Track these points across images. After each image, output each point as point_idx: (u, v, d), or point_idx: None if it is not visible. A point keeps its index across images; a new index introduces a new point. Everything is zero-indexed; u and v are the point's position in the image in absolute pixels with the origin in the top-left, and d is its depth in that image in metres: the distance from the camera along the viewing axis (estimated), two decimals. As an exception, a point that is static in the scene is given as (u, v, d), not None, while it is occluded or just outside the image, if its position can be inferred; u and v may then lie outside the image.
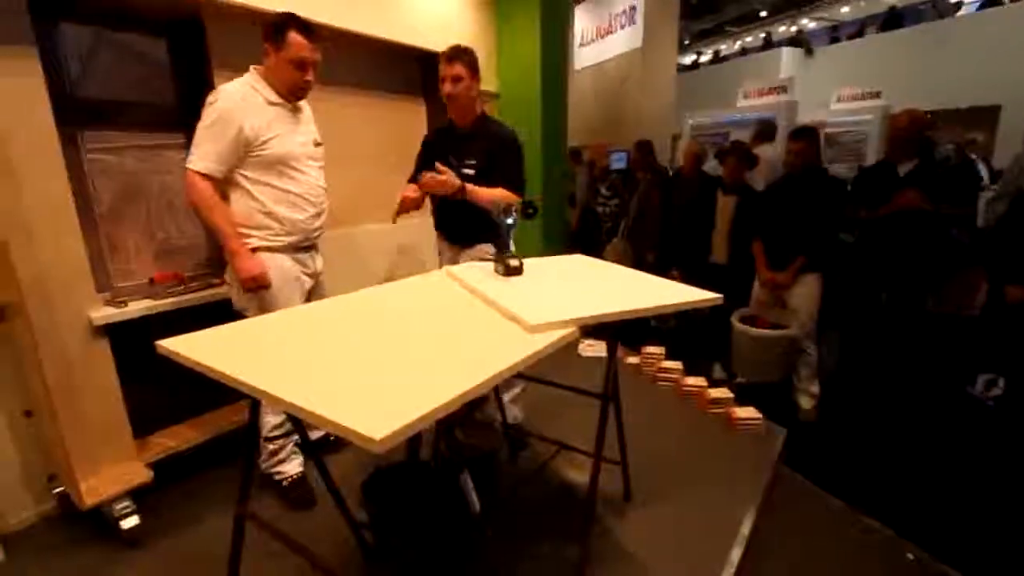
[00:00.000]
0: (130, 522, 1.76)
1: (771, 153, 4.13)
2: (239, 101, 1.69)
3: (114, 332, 1.84)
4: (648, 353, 3.10)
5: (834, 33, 9.61)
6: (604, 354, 3.30)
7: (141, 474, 1.85)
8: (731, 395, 2.62)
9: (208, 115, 1.67)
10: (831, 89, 7.26)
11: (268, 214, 1.78)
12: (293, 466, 1.98)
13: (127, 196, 2.04)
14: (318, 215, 1.92)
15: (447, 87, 2.07)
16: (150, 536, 1.79)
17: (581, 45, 8.96)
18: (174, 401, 2.14)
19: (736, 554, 1.70)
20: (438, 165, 1.99)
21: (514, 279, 1.68)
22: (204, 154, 1.66)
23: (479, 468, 1.93)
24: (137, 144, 2.04)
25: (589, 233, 4.86)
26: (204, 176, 1.67)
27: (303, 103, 1.92)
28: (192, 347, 1.15)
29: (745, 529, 1.81)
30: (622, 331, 3.69)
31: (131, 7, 1.92)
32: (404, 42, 2.83)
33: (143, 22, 2.00)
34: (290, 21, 1.69)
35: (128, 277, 2.06)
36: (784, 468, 2.32)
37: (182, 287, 2.06)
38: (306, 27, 1.71)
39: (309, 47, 1.72)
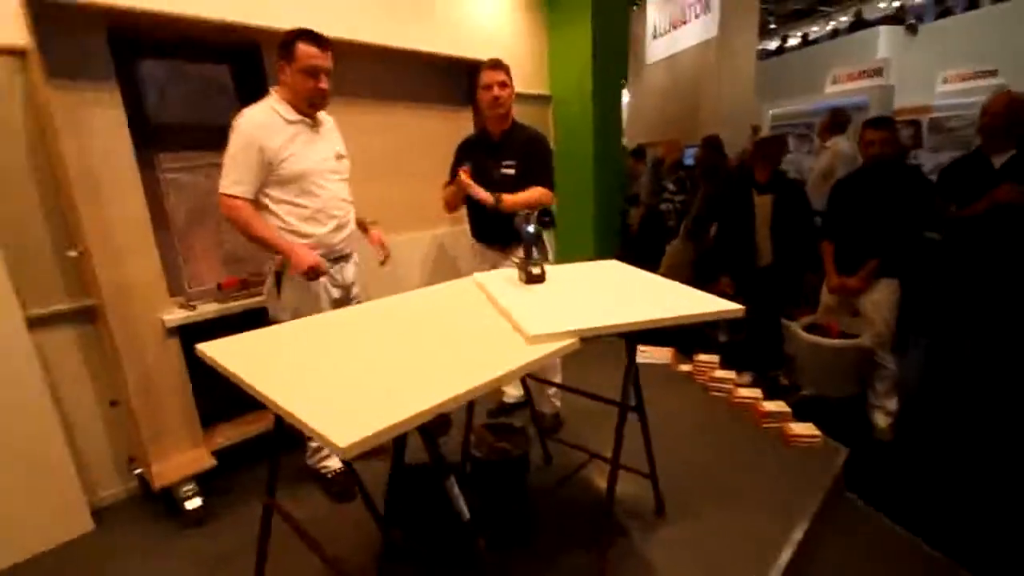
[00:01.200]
0: (193, 503, 1.97)
1: (845, 146, 3.77)
2: (259, 123, 1.76)
3: (187, 332, 2.05)
4: (701, 361, 2.96)
5: (944, 5, 8.58)
6: (658, 361, 3.23)
7: (205, 461, 2.05)
8: (787, 409, 2.44)
9: (234, 140, 1.75)
10: (937, 70, 6.52)
11: (292, 231, 1.83)
12: (335, 461, 2.10)
13: (198, 210, 2.27)
14: (340, 227, 1.95)
15: (495, 91, 2.17)
16: (211, 517, 1.99)
17: (654, 38, 8.69)
18: (239, 395, 2.34)
19: (771, 581, 1.59)
20: (467, 182, 2.09)
21: (535, 287, 1.69)
22: (236, 178, 1.74)
23: (507, 473, 1.96)
24: (207, 163, 2.26)
25: (651, 234, 4.70)
26: (239, 198, 1.75)
27: (325, 118, 1.97)
28: (221, 351, 1.27)
29: (786, 555, 1.69)
30: (678, 337, 3.56)
31: (199, 40, 2.13)
32: (452, 54, 2.91)
33: (209, 52, 2.22)
34: (298, 35, 1.75)
35: (199, 282, 2.29)
36: (847, 493, 2.14)
37: (246, 291, 2.26)
38: (314, 37, 1.77)
39: (319, 55, 1.77)
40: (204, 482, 2.03)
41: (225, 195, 1.76)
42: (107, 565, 1.80)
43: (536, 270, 1.70)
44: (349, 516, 1.96)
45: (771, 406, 2.46)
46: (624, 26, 3.88)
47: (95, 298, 1.83)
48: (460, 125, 3.11)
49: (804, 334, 2.89)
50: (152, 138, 2.09)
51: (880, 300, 2.60)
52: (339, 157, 1.99)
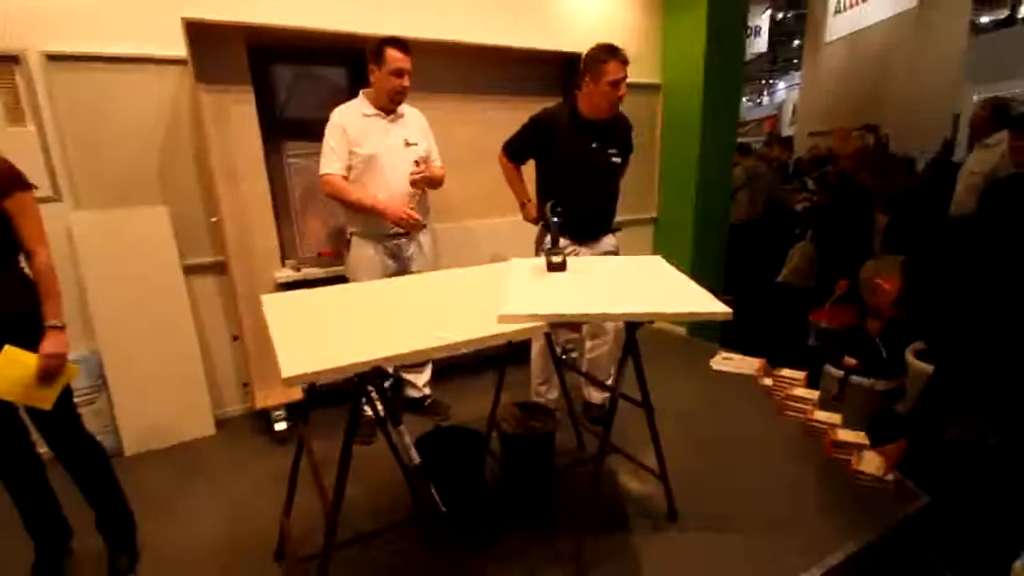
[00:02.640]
0: (280, 425, 2.43)
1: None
2: (343, 114, 2.18)
3: (293, 287, 2.48)
4: (782, 376, 2.70)
5: None
6: (739, 371, 3.02)
7: (294, 393, 2.49)
8: (866, 441, 2.15)
9: (327, 130, 2.18)
10: None
11: (362, 208, 2.17)
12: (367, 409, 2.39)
13: (312, 190, 2.71)
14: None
15: (622, 90, 2.10)
16: (293, 439, 2.42)
17: (835, 13, 7.72)
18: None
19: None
20: None
21: (554, 275, 1.76)
22: (329, 159, 2.16)
23: (529, 448, 2.07)
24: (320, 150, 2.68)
25: (774, 235, 4.28)
26: (331, 174, 2.16)
27: (408, 111, 2.29)
28: (271, 301, 1.59)
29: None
30: (769, 348, 3.25)
31: (321, 47, 2.53)
32: (550, 48, 2.99)
33: (329, 56, 2.62)
34: (387, 41, 2.09)
35: (309, 250, 2.75)
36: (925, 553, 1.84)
37: (340, 260, 2.66)
38: (399, 43, 2.09)
39: (403, 58, 2.09)
40: (294, 411, 2.48)
41: (321, 175, 2.18)
42: (213, 461, 2.33)
43: (557, 259, 1.77)
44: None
45: (846, 435, 2.19)
46: (743, 16, 3.56)
47: (225, 255, 2.34)
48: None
49: (919, 362, 2.49)
50: (280, 129, 2.56)
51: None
52: (407, 144, 2.25)
